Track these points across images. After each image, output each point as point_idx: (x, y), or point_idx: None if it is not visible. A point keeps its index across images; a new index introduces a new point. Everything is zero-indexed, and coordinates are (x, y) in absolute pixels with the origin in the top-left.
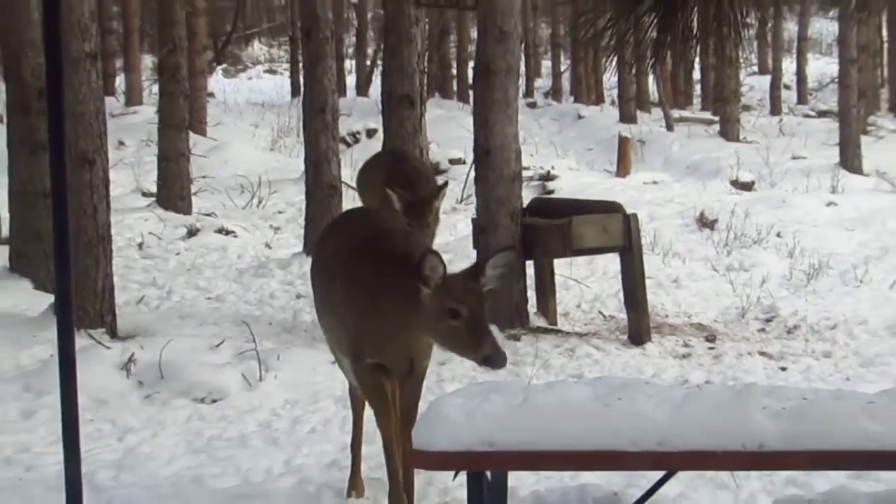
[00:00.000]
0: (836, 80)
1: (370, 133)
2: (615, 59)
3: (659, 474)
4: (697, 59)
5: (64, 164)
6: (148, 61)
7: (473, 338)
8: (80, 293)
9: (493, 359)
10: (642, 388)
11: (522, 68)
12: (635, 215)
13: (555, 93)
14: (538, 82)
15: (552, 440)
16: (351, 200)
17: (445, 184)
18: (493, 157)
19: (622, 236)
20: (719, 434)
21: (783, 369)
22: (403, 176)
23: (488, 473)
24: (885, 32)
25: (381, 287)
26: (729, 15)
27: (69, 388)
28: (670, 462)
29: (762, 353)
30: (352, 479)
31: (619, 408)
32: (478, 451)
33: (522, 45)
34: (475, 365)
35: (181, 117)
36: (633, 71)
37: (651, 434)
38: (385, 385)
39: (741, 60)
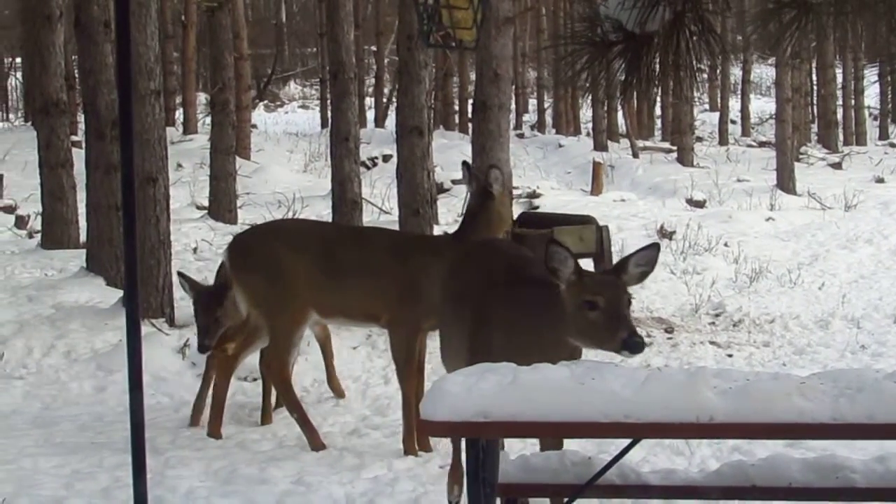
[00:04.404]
0: (774, 116)
1: (386, 158)
2: (590, 95)
3: (626, 442)
4: (658, 98)
5: (133, 181)
6: (202, 97)
7: (611, 325)
8: (144, 289)
9: (630, 342)
10: (612, 369)
11: (513, 105)
12: (607, 227)
13: (539, 126)
14: (525, 117)
15: (536, 412)
16: (370, 214)
17: None
18: None
19: (596, 244)
20: (676, 408)
21: (730, 356)
22: None
23: (483, 440)
24: (815, 77)
25: (523, 315)
26: (686, 60)
27: (136, 368)
28: (635, 431)
29: (712, 343)
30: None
31: (593, 386)
32: (474, 421)
33: (513, 86)
34: None
35: (229, 144)
36: (605, 106)
37: (619, 408)
38: None
39: (695, 99)
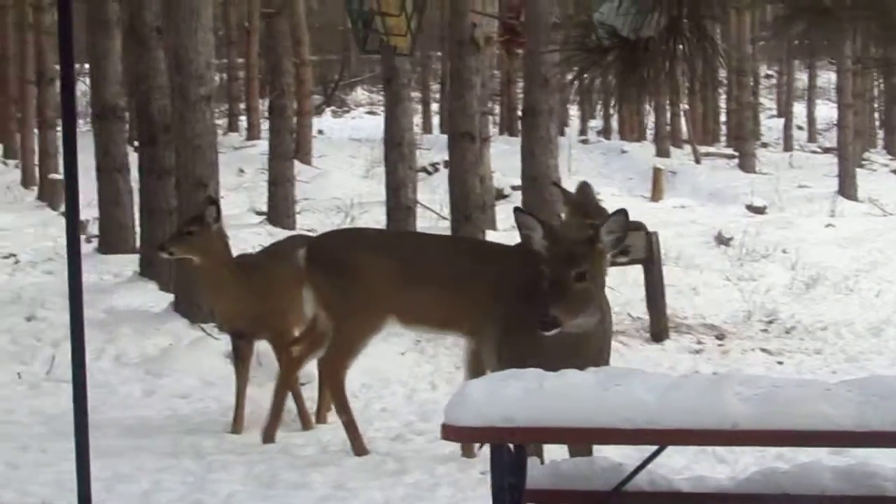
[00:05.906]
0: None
1: (447, 164)
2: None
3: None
4: (724, 104)
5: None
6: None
7: (541, 298)
8: (194, 295)
9: (543, 321)
10: (637, 376)
11: (577, 111)
12: (656, 233)
13: (605, 131)
14: (591, 122)
15: (560, 418)
16: (428, 220)
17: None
18: (537, 183)
19: (645, 250)
20: (699, 415)
21: (780, 363)
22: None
23: (508, 445)
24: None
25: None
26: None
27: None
28: (658, 438)
29: (763, 350)
30: None
31: (617, 392)
32: (497, 426)
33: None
34: None
35: (287, 149)
36: (669, 112)
37: (642, 414)
38: None
39: (759, 105)
